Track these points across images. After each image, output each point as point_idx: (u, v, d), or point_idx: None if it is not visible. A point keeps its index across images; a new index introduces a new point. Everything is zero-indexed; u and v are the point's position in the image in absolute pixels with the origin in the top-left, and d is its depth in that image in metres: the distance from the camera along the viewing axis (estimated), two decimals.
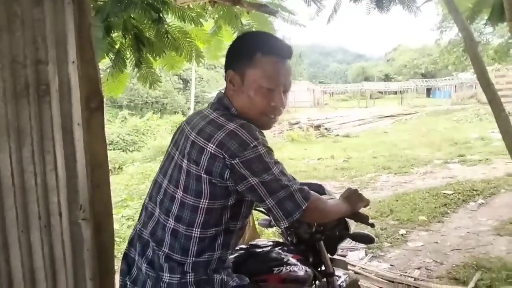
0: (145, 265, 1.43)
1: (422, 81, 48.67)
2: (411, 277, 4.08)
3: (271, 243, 1.76)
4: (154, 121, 24.03)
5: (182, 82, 39.45)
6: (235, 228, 1.40)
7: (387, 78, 65.00)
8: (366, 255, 4.74)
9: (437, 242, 5.09)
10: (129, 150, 18.92)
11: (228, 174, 1.26)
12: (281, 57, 1.35)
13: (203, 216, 1.32)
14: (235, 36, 4.90)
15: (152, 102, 34.09)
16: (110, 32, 3.85)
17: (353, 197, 1.53)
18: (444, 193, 7.29)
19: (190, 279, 1.31)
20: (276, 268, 1.57)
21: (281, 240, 1.89)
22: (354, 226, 1.83)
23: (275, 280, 1.55)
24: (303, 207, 1.27)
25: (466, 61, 17.89)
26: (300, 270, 1.61)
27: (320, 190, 1.83)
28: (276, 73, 1.33)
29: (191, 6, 4.34)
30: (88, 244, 1.95)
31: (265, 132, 1.43)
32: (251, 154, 1.24)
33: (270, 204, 1.26)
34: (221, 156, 1.25)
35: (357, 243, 3.51)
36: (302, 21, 4.83)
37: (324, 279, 1.74)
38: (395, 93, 50.04)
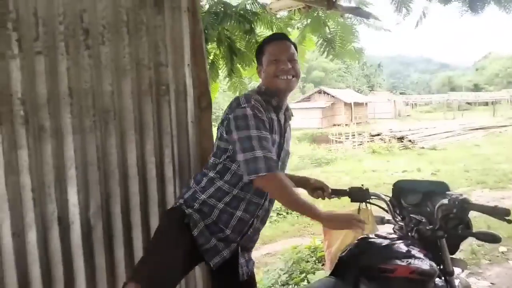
0: None
1: None
2: None
3: (396, 236, 1.76)
4: None
5: None
6: (231, 166, 1.66)
7: (476, 88, 60.48)
8: (463, 271, 4.43)
9: None
10: None
11: (226, 124, 1.64)
12: (276, 39, 1.81)
13: (215, 148, 1.73)
14: (318, 44, 4.99)
15: None
16: (206, 43, 4.09)
17: (335, 219, 1.60)
18: None
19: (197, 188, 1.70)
20: (406, 260, 1.57)
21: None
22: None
23: (405, 270, 1.54)
24: (261, 174, 1.51)
25: None
26: (427, 264, 1.59)
27: (443, 187, 1.80)
28: (276, 49, 1.75)
29: (279, 14, 4.49)
30: None
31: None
32: (239, 112, 1.59)
33: (240, 159, 1.56)
34: (228, 112, 1.66)
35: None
36: (387, 27, 4.77)
37: (443, 278, 1.70)
38: (486, 104, 46.34)
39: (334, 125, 32.40)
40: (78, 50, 1.79)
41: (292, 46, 1.80)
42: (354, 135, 21.11)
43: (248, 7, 4.20)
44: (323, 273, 3.96)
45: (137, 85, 1.93)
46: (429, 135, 20.69)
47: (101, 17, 1.84)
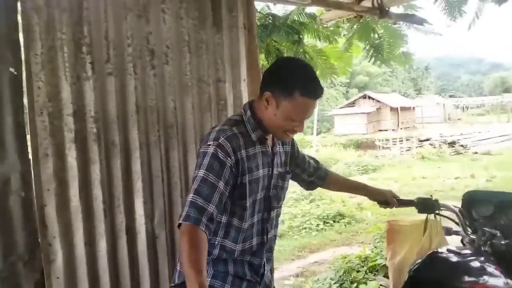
0: None
1: None
2: None
3: (469, 251, 1.70)
4: None
5: None
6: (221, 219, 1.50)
7: None
8: None
9: None
10: None
11: None
12: (315, 96, 1.49)
13: None
14: (364, 51, 4.93)
15: None
16: None
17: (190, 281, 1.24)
18: None
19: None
20: (482, 278, 1.52)
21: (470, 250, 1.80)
22: None
23: None
24: (179, 222, 1.34)
25: None
26: (504, 282, 1.51)
27: None
28: (306, 111, 1.48)
29: (327, 24, 4.49)
30: None
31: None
32: (203, 149, 1.44)
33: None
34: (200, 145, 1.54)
35: None
36: (437, 30, 4.64)
37: None
38: None
39: (380, 130, 31.68)
40: (145, 70, 1.90)
41: None
42: (401, 141, 20.54)
43: (296, 17, 4.25)
44: (375, 283, 3.89)
45: (198, 101, 2.03)
46: (483, 140, 19.79)
47: (165, 38, 1.95)
